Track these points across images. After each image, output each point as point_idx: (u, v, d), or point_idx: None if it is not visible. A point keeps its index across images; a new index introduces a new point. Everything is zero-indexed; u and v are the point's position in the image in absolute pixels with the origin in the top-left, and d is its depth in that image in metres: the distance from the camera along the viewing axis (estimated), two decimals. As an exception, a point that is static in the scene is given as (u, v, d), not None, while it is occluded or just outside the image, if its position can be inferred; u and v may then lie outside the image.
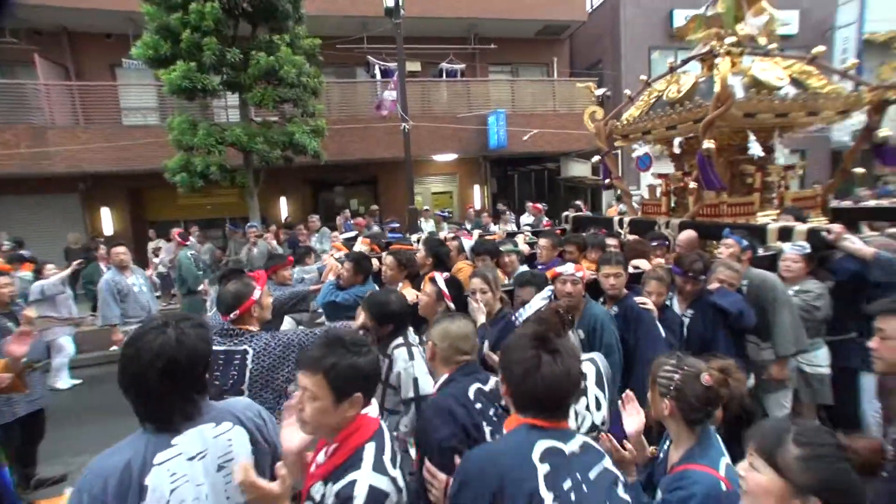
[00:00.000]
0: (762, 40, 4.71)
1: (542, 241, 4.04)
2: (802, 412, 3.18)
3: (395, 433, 2.40)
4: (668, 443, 1.68)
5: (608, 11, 12.99)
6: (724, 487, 1.40)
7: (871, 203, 6.34)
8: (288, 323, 4.48)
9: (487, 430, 1.68)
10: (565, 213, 5.98)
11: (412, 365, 2.34)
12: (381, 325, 2.47)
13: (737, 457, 1.38)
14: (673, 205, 5.11)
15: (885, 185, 10.67)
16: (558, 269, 2.83)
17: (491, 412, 1.73)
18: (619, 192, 7.00)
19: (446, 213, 10.09)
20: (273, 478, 1.27)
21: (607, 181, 5.60)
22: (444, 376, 1.88)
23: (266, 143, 7.88)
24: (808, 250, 3.24)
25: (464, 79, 12.53)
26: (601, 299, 3.08)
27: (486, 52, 13.03)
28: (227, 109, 10.33)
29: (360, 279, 3.51)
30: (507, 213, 9.76)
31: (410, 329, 2.58)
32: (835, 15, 13.36)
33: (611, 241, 4.18)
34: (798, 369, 3.21)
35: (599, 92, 5.46)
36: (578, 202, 10.13)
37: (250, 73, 7.52)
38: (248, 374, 2.07)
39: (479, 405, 1.72)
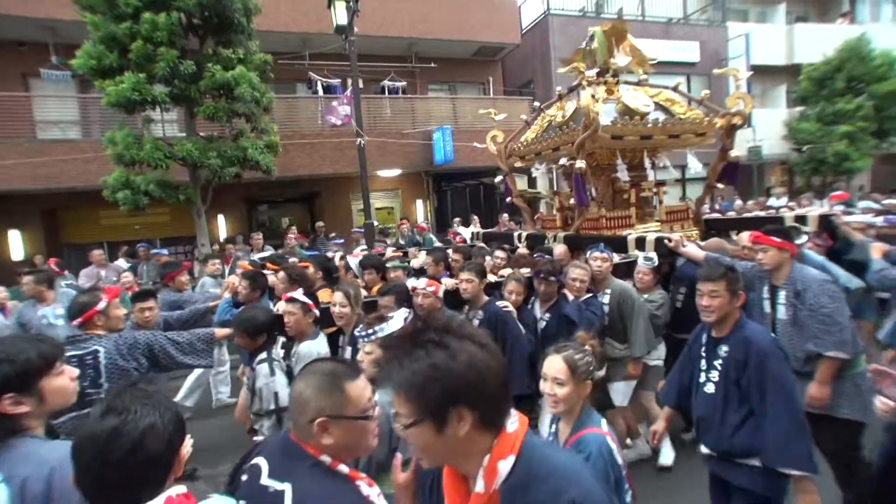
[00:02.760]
0: (638, 70, 5.29)
1: (427, 259, 4.32)
2: (640, 399, 3.62)
3: (259, 435, 2.62)
4: (553, 425, 1.96)
5: (538, 36, 13.81)
6: (609, 441, 1.72)
7: (750, 214, 7.08)
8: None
9: None
10: (475, 231, 6.39)
11: (273, 381, 2.58)
12: (253, 339, 2.71)
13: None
14: (568, 219, 5.56)
15: (724, 201, 11.79)
16: (413, 283, 3.10)
17: None
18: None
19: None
20: None
21: (509, 199, 6.04)
22: None
23: (219, 158, 7.69)
24: (656, 264, 3.72)
25: (409, 96, 12.91)
26: (465, 307, 3.41)
27: (425, 70, 13.50)
28: (163, 124, 9.94)
29: (257, 296, 3.66)
30: (387, 238, 9.57)
31: (279, 343, 2.81)
32: (726, 47, 15.08)
33: (499, 255, 4.50)
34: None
35: (500, 117, 5.92)
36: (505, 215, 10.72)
37: (202, 86, 7.39)
38: (103, 369, 2.36)
39: None
